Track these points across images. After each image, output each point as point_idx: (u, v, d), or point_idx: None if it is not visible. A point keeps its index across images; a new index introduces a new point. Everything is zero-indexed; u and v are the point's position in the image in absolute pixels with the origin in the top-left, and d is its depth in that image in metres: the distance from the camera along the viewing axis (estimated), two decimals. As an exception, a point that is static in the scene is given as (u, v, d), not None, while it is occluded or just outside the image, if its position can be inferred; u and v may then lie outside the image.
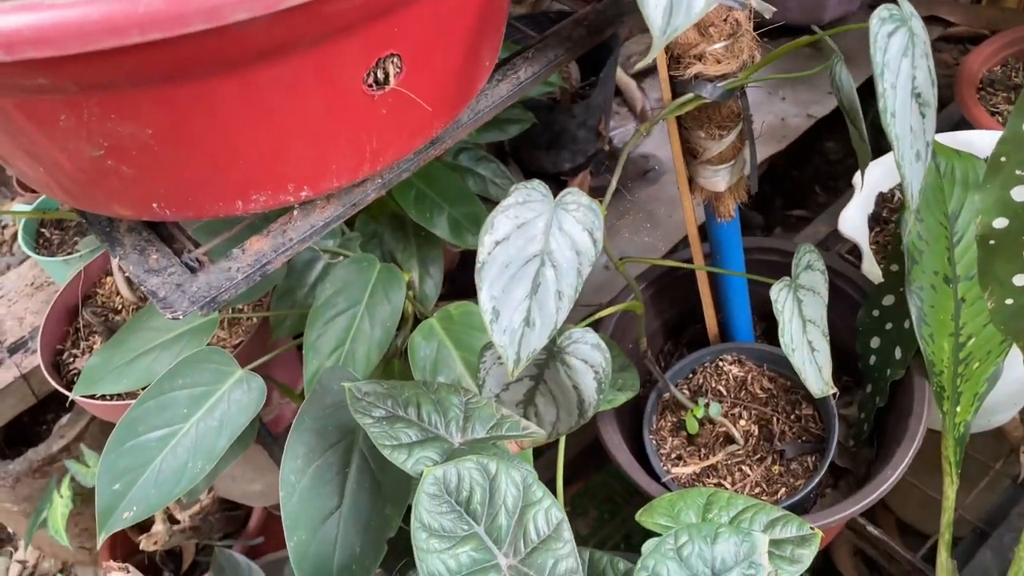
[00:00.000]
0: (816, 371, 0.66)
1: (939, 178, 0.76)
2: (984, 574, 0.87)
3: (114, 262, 0.63)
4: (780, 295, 0.62)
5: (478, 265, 0.51)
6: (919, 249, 0.73)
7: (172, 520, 1.11)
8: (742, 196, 0.73)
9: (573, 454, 1.07)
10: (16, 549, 1.61)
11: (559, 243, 0.52)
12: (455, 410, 0.61)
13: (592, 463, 1.10)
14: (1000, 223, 0.52)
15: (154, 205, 0.51)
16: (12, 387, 1.12)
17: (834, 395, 0.72)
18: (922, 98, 0.53)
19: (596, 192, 1.25)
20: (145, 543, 0.39)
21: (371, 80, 0.47)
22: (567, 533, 0.57)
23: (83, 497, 1.28)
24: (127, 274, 0.58)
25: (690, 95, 0.63)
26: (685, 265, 0.72)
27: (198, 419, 0.71)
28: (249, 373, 0.73)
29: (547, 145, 1.23)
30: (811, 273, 0.65)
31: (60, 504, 1.11)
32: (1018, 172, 0.51)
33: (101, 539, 0.67)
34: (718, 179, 0.71)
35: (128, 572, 0.44)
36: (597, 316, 0.69)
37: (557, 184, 1.25)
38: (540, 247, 0.52)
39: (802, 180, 1.48)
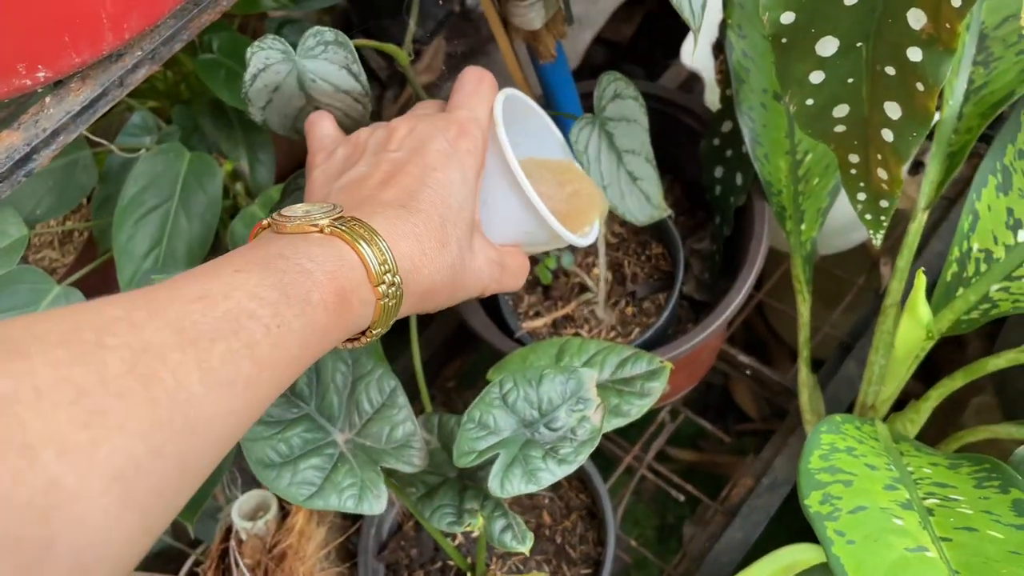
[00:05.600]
0: (639, 200, 0.64)
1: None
2: (849, 384, 0.89)
3: None
4: (581, 135, 0.59)
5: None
6: (745, 68, 0.71)
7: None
8: (561, 32, 0.69)
9: (449, 331, 1.06)
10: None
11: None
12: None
13: (472, 340, 1.09)
14: (787, 18, 0.49)
15: None
16: None
17: (670, 217, 0.71)
18: None
19: (451, 58, 1.19)
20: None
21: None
22: (401, 399, 0.56)
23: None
24: None
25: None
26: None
27: (16, 342, 0.67)
28: (68, 288, 0.68)
29: (392, 12, 1.16)
30: (621, 102, 0.61)
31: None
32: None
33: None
34: (532, 16, 0.67)
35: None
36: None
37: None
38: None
39: (681, 29, 1.43)
